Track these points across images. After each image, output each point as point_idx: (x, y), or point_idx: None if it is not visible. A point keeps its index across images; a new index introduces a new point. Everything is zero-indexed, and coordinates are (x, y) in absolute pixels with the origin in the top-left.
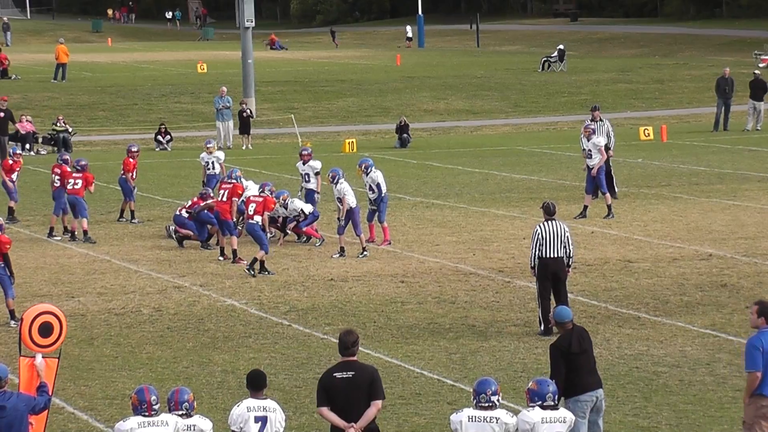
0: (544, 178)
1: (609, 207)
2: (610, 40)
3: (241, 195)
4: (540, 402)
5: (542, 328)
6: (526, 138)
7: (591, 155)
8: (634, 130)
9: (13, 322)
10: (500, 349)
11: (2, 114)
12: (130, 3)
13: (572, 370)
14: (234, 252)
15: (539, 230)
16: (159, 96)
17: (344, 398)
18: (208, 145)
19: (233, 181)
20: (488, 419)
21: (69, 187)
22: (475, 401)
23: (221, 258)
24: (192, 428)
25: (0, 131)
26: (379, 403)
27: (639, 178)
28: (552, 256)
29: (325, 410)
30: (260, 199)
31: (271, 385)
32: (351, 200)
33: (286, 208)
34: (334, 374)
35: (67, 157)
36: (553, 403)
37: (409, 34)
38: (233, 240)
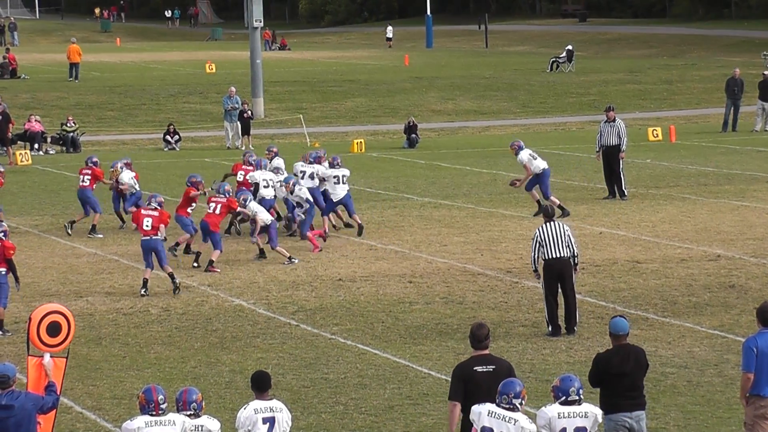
0: (552, 178)
1: (561, 207)
2: (619, 40)
3: (236, 208)
4: (564, 398)
5: (550, 329)
6: (534, 138)
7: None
8: (642, 130)
9: (0, 332)
10: (508, 350)
11: None
12: (121, 2)
13: (606, 387)
14: (210, 261)
15: (538, 233)
16: (167, 96)
17: (486, 391)
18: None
19: (224, 195)
20: (507, 419)
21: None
22: (497, 400)
23: (195, 264)
24: (200, 428)
25: None
26: None
27: (647, 179)
28: (555, 256)
29: (458, 407)
30: (156, 213)
31: (279, 386)
32: (264, 217)
33: (292, 193)
34: (475, 368)
35: (96, 159)
36: (577, 398)
37: (389, 35)
38: (216, 253)
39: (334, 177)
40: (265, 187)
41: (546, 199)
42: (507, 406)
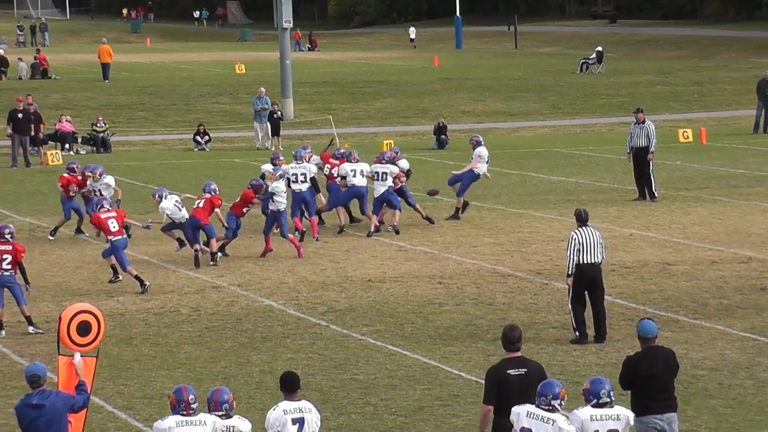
0: (581, 180)
1: (457, 210)
2: (649, 41)
3: (219, 206)
4: (595, 400)
5: (577, 335)
6: (563, 140)
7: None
8: (673, 132)
9: (31, 328)
10: (538, 352)
11: (20, 115)
12: (150, 2)
13: (636, 390)
14: (212, 254)
15: (576, 236)
16: (197, 96)
17: (518, 395)
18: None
19: (209, 193)
20: (545, 420)
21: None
22: (536, 401)
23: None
24: (231, 429)
25: (20, 131)
26: None
27: (678, 181)
28: (589, 261)
29: (492, 410)
30: (115, 214)
31: (309, 386)
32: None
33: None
34: (508, 371)
35: (74, 165)
36: (608, 400)
37: (412, 36)
38: (212, 242)
39: (351, 170)
40: (294, 182)
41: (457, 196)
42: (546, 407)
